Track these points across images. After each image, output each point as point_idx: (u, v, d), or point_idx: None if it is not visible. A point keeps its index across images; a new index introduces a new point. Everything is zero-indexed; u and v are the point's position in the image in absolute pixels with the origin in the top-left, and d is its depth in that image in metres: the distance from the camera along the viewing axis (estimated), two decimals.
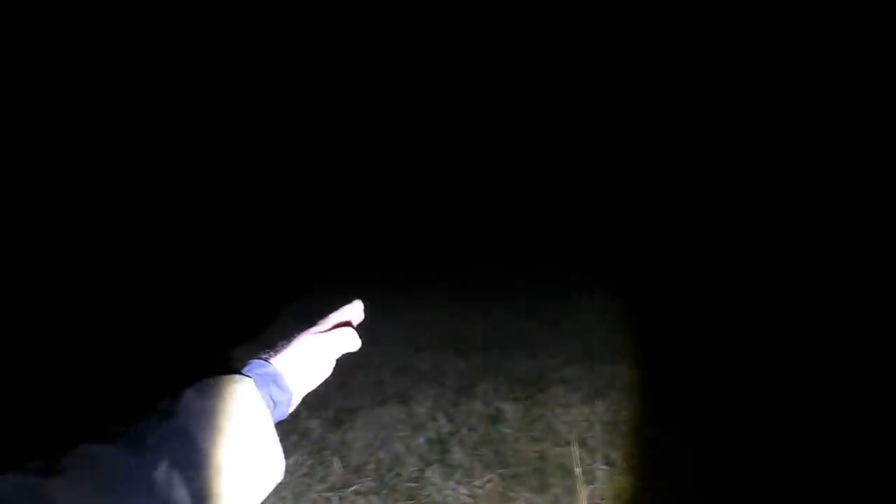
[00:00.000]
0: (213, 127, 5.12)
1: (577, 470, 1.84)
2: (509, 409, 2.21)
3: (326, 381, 0.53)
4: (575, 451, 1.93)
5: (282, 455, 0.46)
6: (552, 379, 2.42)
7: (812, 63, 4.63)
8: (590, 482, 1.80)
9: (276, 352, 0.50)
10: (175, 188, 4.77)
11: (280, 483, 0.47)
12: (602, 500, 1.74)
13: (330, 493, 1.82)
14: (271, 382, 0.48)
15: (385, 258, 4.30)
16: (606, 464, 1.88)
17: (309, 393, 0.52)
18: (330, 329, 0.54)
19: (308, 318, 0.55)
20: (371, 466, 1.95)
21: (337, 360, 0.54)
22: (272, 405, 0.47)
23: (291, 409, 0.50)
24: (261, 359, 0.49)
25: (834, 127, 4.54)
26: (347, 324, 0.57)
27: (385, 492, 1.83)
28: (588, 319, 3.15)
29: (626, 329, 3.00)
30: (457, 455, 1.98)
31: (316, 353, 0.52)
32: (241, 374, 0.47)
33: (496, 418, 2.18)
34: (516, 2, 5.18)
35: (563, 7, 5.15)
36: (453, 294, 3.48)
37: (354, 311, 0.58)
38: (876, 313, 2.79)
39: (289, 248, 4.37)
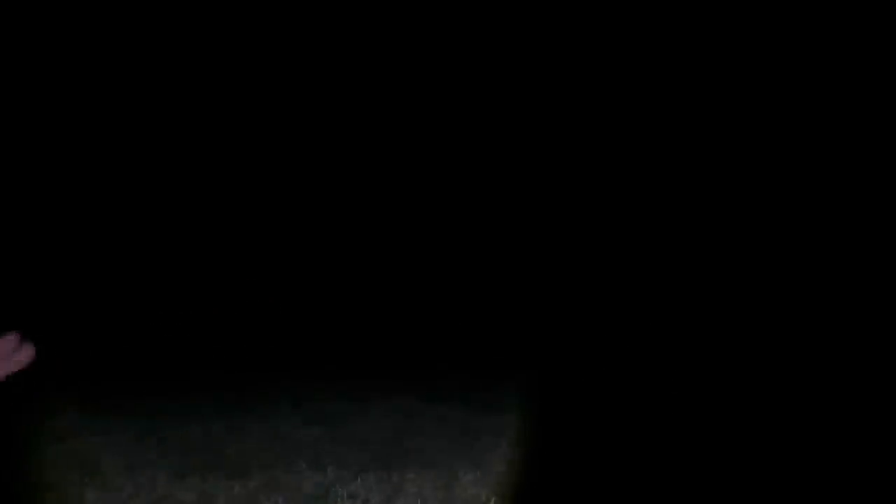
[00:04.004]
0: None
1: None
2: None
3: None
4: None
5: None
6: (340, 494, 2.24)
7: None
8: None
9: None
10: None
11: None
12: None
13: None
14: None
15: (134, 359, 3.71)
16: None
17: None
18: None
19: None
20: None
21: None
22: None
23: None
24: None
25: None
26: None
27: None
28: (381, 422, 3.05)
29: (420, 430, 2.96)
30: None
31: None
32: None
33: None
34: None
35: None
36: (225, 401, 3.11)
37: None
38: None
39: None
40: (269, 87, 5.38)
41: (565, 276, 5.24)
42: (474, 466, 2.48)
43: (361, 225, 5.47)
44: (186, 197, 4.87)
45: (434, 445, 2.72)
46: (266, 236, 5.22)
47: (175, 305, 4.53)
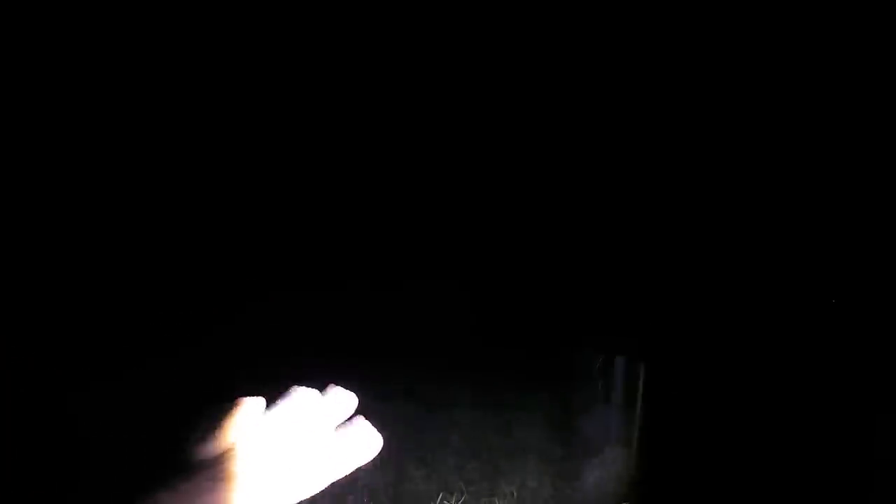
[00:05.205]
0: None
1: None
2: None
3: None
4: None
5: None
6: None
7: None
8: None
9: None
10: None
11: None
12: None
13: None
14: None
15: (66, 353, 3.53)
16: None
17: None
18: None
19: None
20: None
21: None
22: None
23: None
24: None
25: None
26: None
27: None
28: None
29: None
30: None
31: None
32: None
33: None
34: None
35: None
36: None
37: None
38: None
39: None
40: (269, 88, 5.15)
41: (515, 273, 5.30)
42: (423, 462, 2.49)
43: (311, 217, 5.37)
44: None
45: (382, 442, 2.71)
46: (217, 232, 5.06)
47: (119, 300, 4.35)
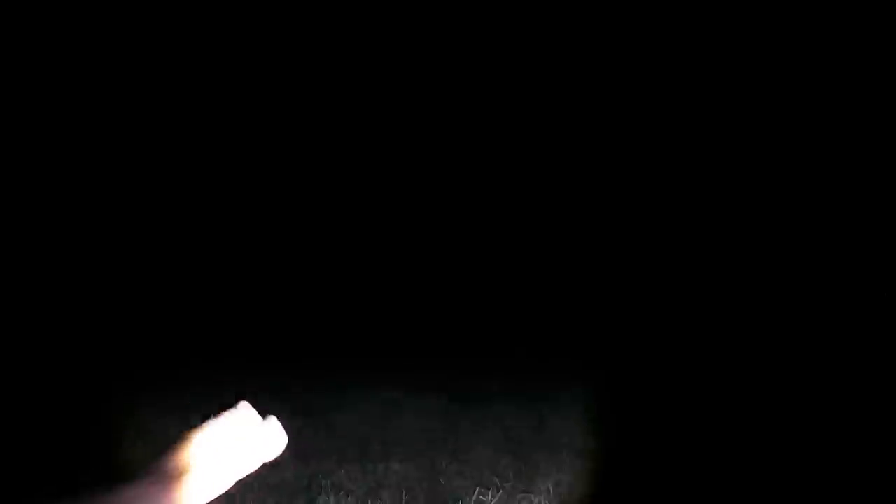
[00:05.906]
0: None
1: None
2: None
3: None
4: None
5: None
6: (323, 485, 2.23)
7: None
8: None
9: None
10: None
11: None
12: None
13: None
14: None
15: (116, 351, 3.65)
16: None
17: None
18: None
19: None
20: None
21: None
22: None
23: None
24: None
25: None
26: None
27: None
28: (364, 414, 3.05)
29: (403, 421, 2.96)
30: None
31: None
32: None
33: None
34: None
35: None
36: (204, 392, 3.08)
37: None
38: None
39: None
40: (271, 88, 5.27)
41: (544, 275, 5.26)
42: (457, 457, 2.49)
43: (344, 221, 5.43)
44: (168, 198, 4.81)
45: (417, 437, 2.72)
46: (250, 233, 5.16)
47: (164, 300, 4.49)
